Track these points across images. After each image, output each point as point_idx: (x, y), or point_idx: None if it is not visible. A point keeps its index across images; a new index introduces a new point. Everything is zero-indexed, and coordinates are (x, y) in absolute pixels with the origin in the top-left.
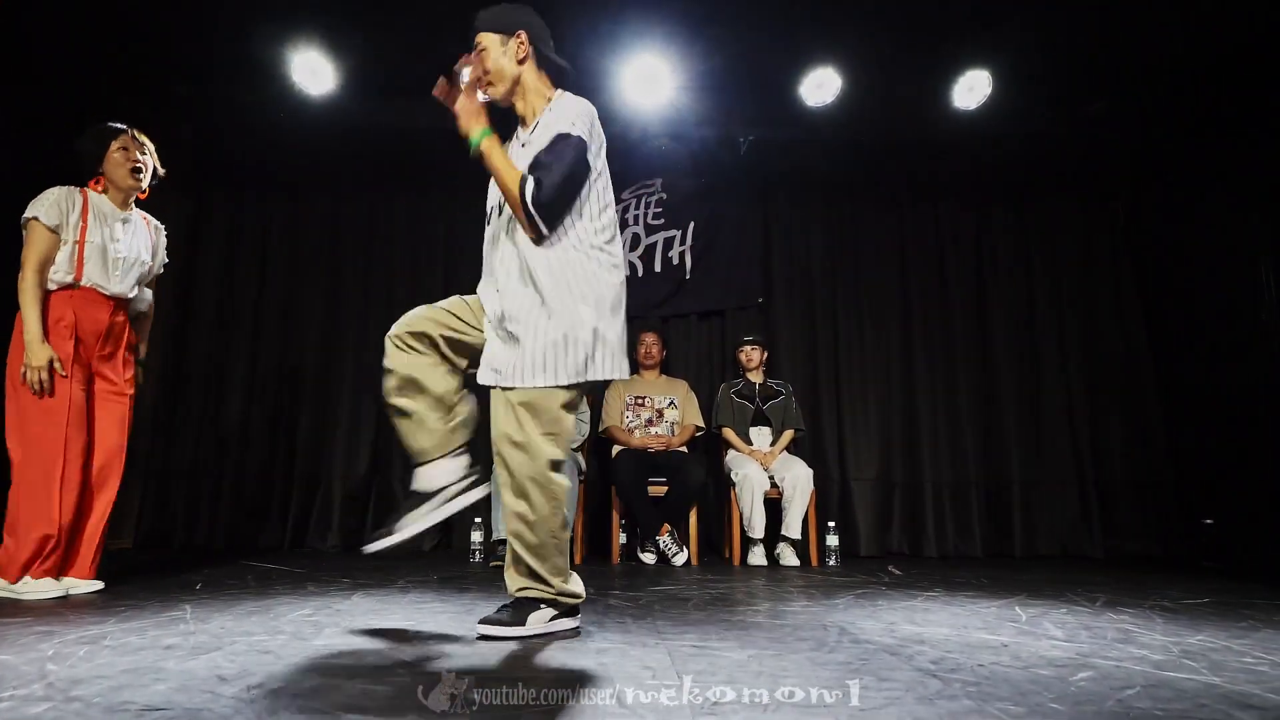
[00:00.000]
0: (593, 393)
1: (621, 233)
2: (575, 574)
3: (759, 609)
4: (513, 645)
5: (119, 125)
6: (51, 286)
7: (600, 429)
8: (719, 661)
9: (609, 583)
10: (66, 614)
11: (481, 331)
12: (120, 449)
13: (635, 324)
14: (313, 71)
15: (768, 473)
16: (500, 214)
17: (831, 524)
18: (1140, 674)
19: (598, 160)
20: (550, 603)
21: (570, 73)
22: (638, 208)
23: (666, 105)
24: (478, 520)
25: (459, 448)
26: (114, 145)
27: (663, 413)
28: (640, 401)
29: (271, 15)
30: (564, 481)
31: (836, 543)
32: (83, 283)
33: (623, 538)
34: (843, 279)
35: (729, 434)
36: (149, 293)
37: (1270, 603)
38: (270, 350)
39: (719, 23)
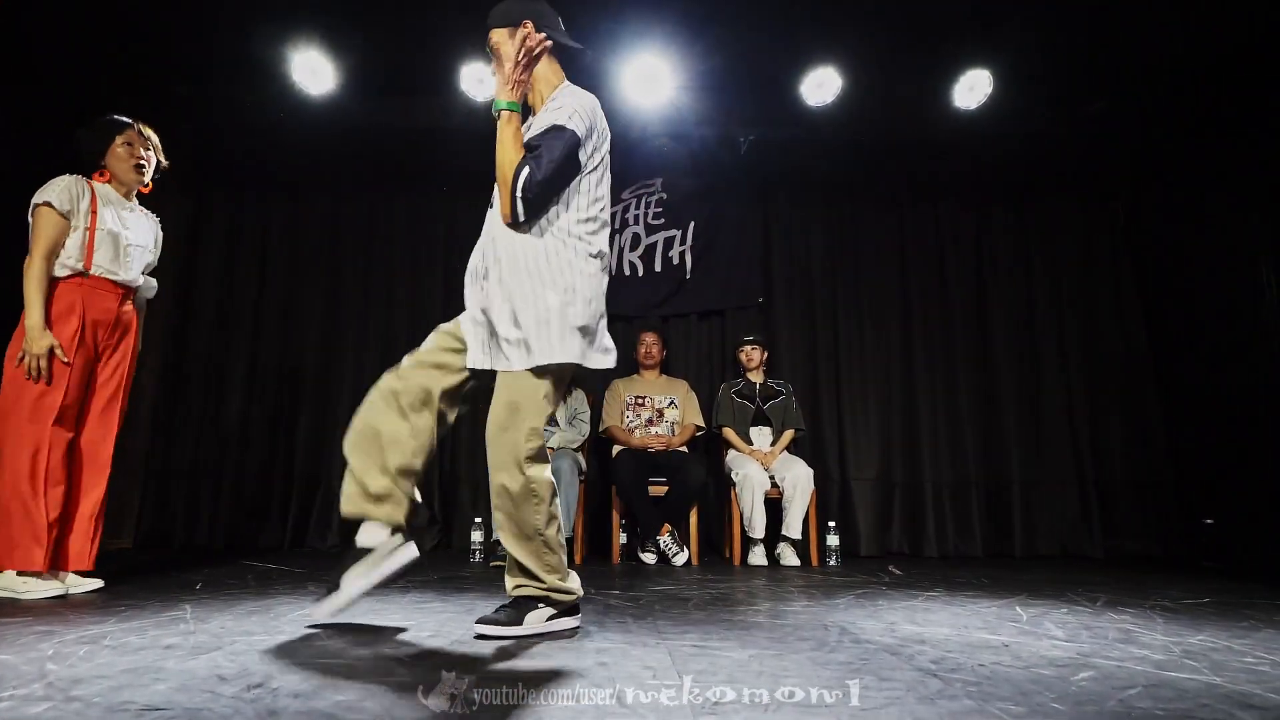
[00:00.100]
0: (592, 392)
1: (622, 232)
2: (573, 573)
3: (759, 609)
4: (512, 645)
5: (124, 119)
6: (62, 273)
7: (600, 429)
8: (720, 661)
9: (609, 582)
10: (66, 613)
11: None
12: (111, 438)
13: (635, 324)
14: (313, 71)
15: (768, 472)
16: (494, 207)
17: (832, 524)
18: (1141, 674)
19: (594, 157)
20: (545, 600)
21: (585, 53)
22: (638, 207)
23: (667, 105)
24: (478, 520)
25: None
26: (118, 139)
27: (663, 412)
28: (640, 401)
29: (271, 15)
30: (543, 476)
31: (837, 543)
32: (92, 271)
33: (623, 537)
34: (843, 279)
35: (729, 434)
36: (154, 281)
37: (1271, 602)
38: (270, 350)
39: (719, 22)
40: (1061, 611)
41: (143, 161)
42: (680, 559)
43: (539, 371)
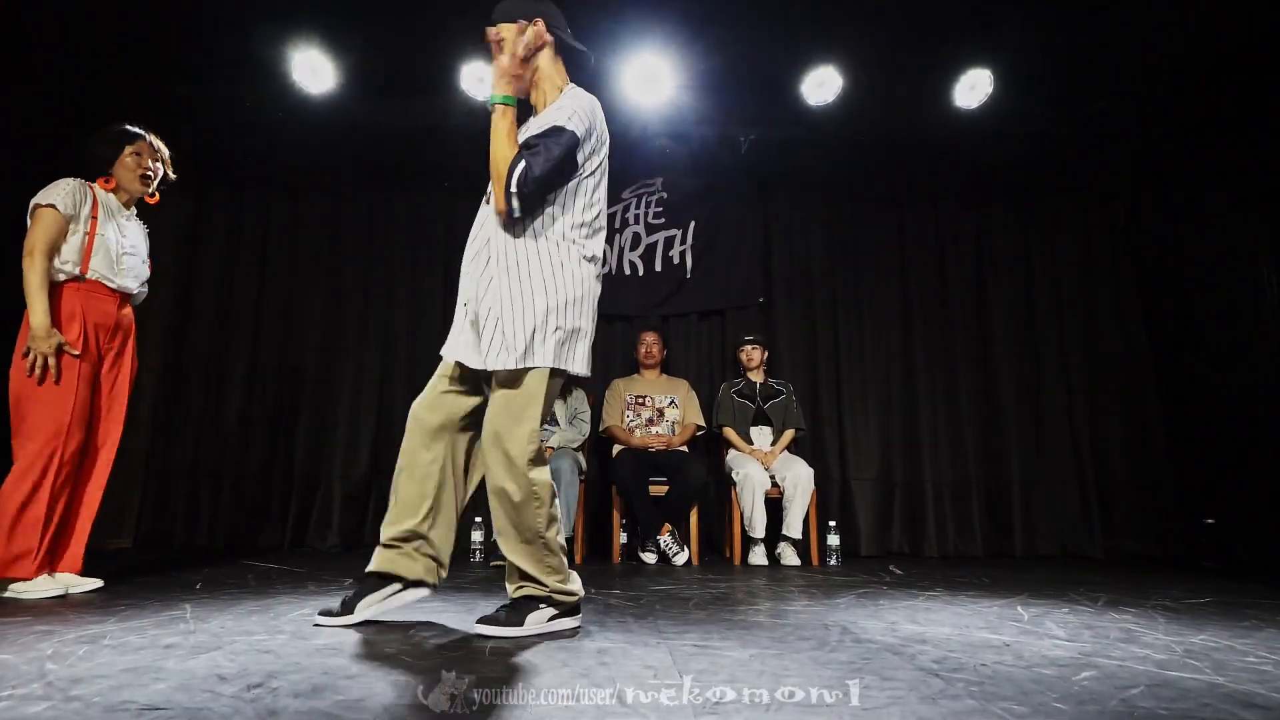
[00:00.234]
0: (592, 392)
1: (622, 232)
2: (574, 573)
3: (760, 608)
4: (512, 645)
5: (137, 130)
6: (60, 278)
7: (601, 428)
8: (720, 661)
9: (610, 582)
10: (66, 613)
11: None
12: (114, 442)
13: (635, 323)
14: (313, 70)
15: (768, 472)
16: (489, 202)
17: (832, 524)
18: (1144, 673)
19: (591, 160)
20: (547, 601)
21: (590, 57)
22: (638, 207)
23: (667, 104)
24: (478, 520)
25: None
26: (128, 149)
27: (663, 412)
28: (641, 401)
29: (271, 14)
30: (543, 479)
31: (837, 542)
32: (89, 276)
33: (623, 537)
34: (843, 279)
35: (730, 433)
36: (145, 288)
37: (1273, 602)
38: (270, 350)
39: (720, 22)
40: (1063, 611)
41: (149, 173)
42: (681, 559)
43: (534, 374)
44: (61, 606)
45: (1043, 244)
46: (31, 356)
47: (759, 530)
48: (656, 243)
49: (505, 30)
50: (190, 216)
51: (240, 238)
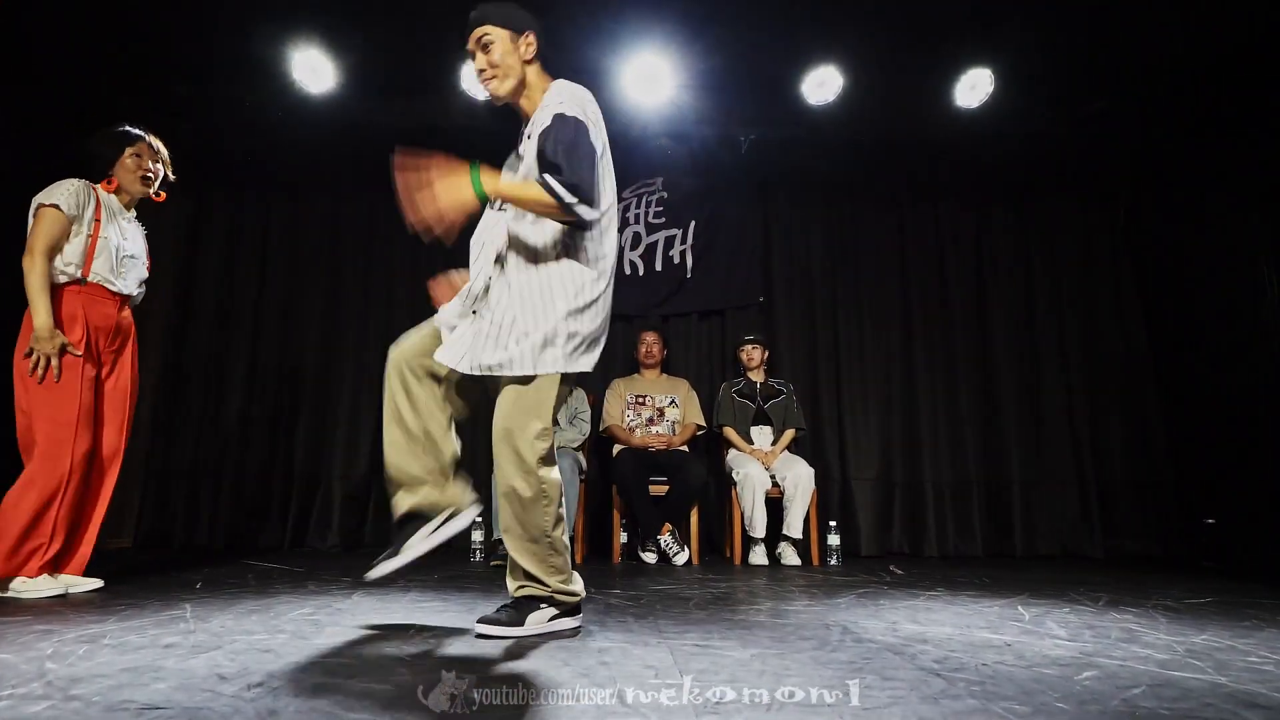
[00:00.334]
0: (593, 392)
1: (622, 231)
2: (575, 573)
3: (761, 608)
4: (513, 645)
5: (136, 131)
6: (61, 280)
7: (601, 428)
8: (721, 661)
9: (610, 582)
10: (66, 613)
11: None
12: (120, 446)
13: (636, 323)
14: (313, 70)
15: (769, 472)
16: (497, 206)
17: (833, 523)
18: (1145, 673)
19: (597, 142)
20: (549, 601)
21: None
22: (638, 206)
23: (667, 104)
24: (478, 519)
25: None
26: (129, 151)
27: (664, 411)
28: (641, 400)
29: (271, 14)
30: (552, 477)
31: (838, 542)
32: (90, 279)
33: (624, 537)
34: (843, 278)
35: (730, 433)
36: (143, 289)
37: (1273, 602)
38: (270, 350)
39: (720, 21)
40: (1064, 611)
41: (150, 174)
42: (681, 558)
43: (548, 375)
44: (61, 606)
45: (1043, 244)
46: (35, 357)
47: (759, 530)
48: (657, 242)
49: (494, 34)
50: (190, 216)
51: (240, 238)
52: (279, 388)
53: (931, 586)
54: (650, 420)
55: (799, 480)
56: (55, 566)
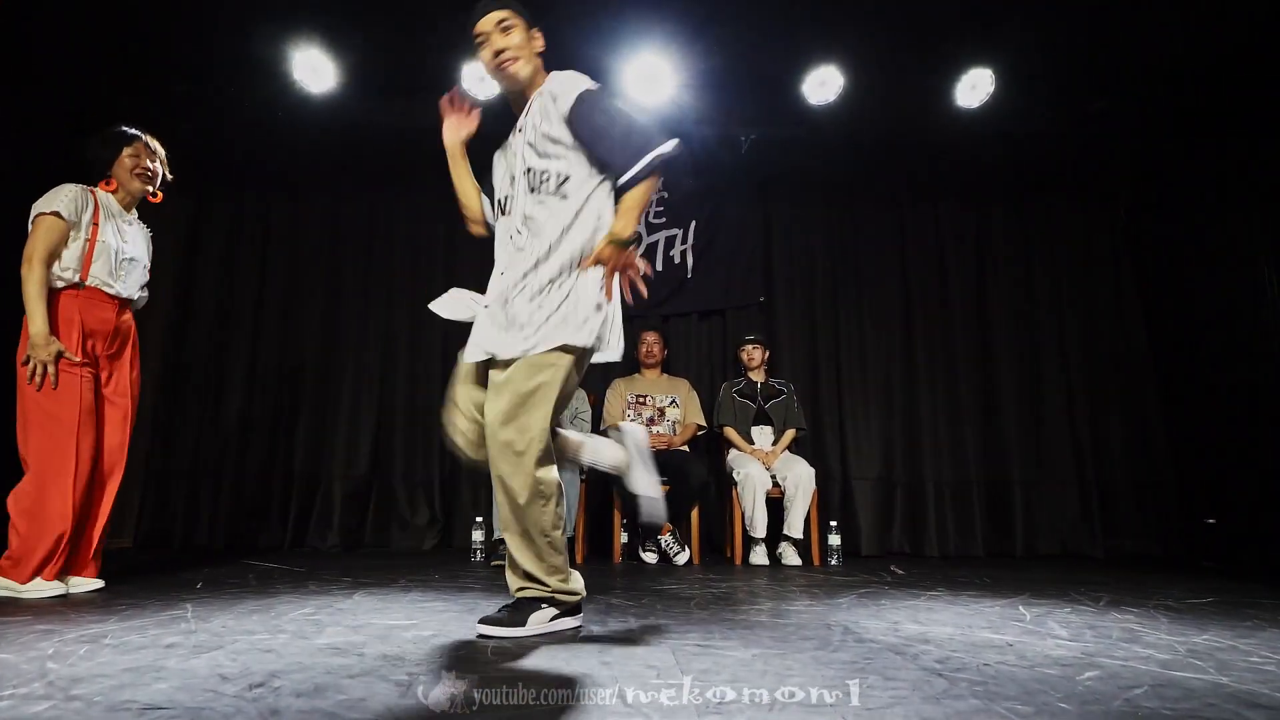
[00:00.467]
0: (593, 392)
1: None
2: (575, 572)
3: (762, 608)
4: (514, 645)
5: (133, 131)
6: (59, 284)
7: (602, 428)
8: (723, 661)
9: (611, 582)
10: (67, 613)
11: None
12: (123, 448)
13: (636, 323)
14: (314, 70)
15: (769, 472)
16: (514, 202)
17: (833, 523)
18: (1147, 673)
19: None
20: (549, 601)
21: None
22: None
23: (668, 104)
24: (479, 520)
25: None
26: (126, 151)
27: (664, 411)
28: (642, 400)
29: (272, 14)
30: (549, 475)
31: (838, 542)
32: (88, 282)
33: (624, 537)
34: (844, 278)
35: (730, 433)
36: (145, 292)
37: (1274, 602)
38: (270, 350)
39: (720, 21)
40: (1065, 611)
41: (147, 172)
42: (682, 558)
43: (558, 355)
44: (62, 606)
45: (1043, 244)
46: (31, 364)
47: (760, 530)
48: (657, 242)
49: (512, 19)
50: (190, 216)
51: (240, 237)
52: (279, 387)
53: (932, 586)
54: (651, 420)
55: (799, 480)
56: (65, 570)
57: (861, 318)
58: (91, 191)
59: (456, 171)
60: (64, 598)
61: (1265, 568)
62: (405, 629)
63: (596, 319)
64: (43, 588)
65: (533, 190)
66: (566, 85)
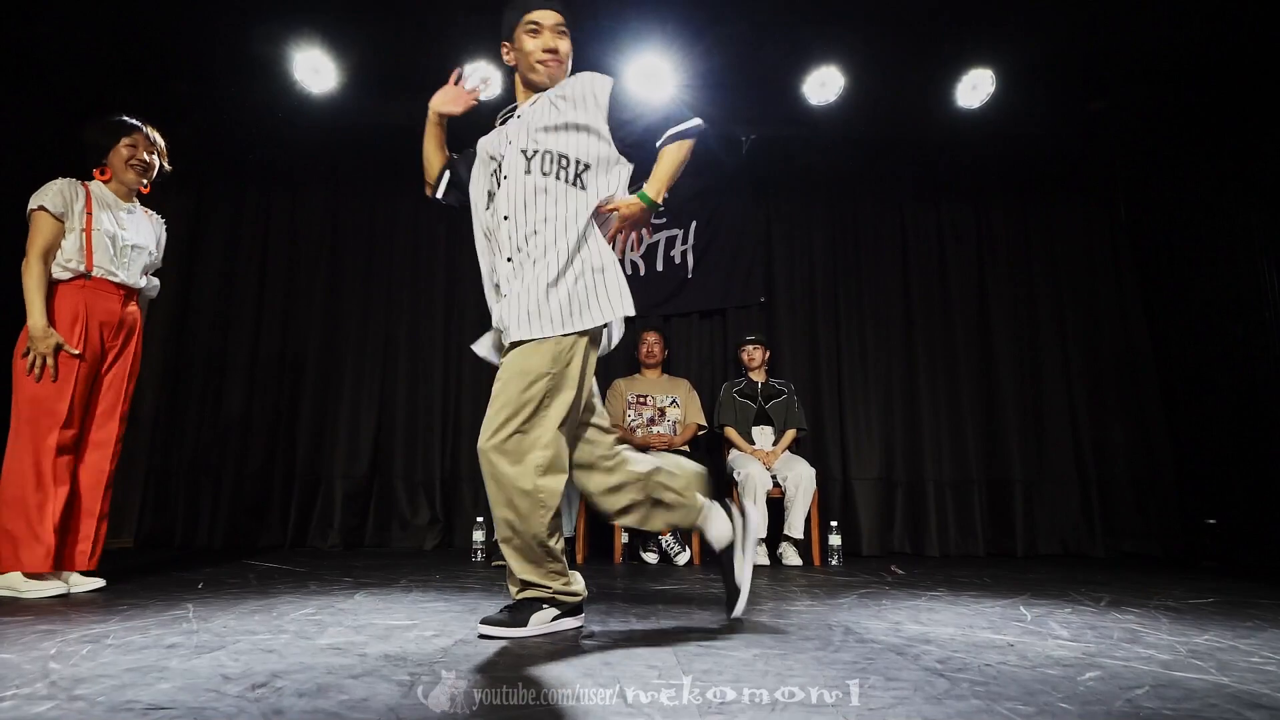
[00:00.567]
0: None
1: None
2: (576, 573)
3: (763, 608)
4: (515, 645)
5: (133, 122)
6: (66, 276)
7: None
8: (725, 661)
9: (612, 582)
10: (68, 613)
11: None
12: (115, 436)
13: (637, 323)
14: (315, 70)
15: (770, 472)
16: (514, 185)
17: (834, 523)
18: (1148, 674)
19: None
20: (551, 602)
21: None
22: None
23: (669, 104)
24: (479, 520)
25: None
26: (124, 140)
27: (665, 411)
28: (642, 400)
29: (273, 14)
30: (555, 487)
31: (839, 542)
32: (94, 273)
33: (625, 537)
34: (844, 278)
35: (731, 433)
36: (157, 281)
37: (1274, 602)
38: (271, 348)
39: (721, 21)
40: (1066, 611)
41: (143, 163)
42: (682, 558)
43: (570, 340)
44: (63, 606)
45: (1044, 243)
46: (31, 356)
47: (761, 530)
48: (658, 242)
49: (568, 32)
50: (191, 214)
51: (241, 236)
52: (279, 386)
53: (933, 586)
54: (651, 420)
55: (800, 480)
56: (57, 563)
57: (862, 318)
58: (84, 184)
59: (429, 134)
60: (65, 597)
61: (1265, 568)
62: (407, 629)
63: (608, 295)
64: (44, 587)
65: (545, 174)
66: (599, 81)
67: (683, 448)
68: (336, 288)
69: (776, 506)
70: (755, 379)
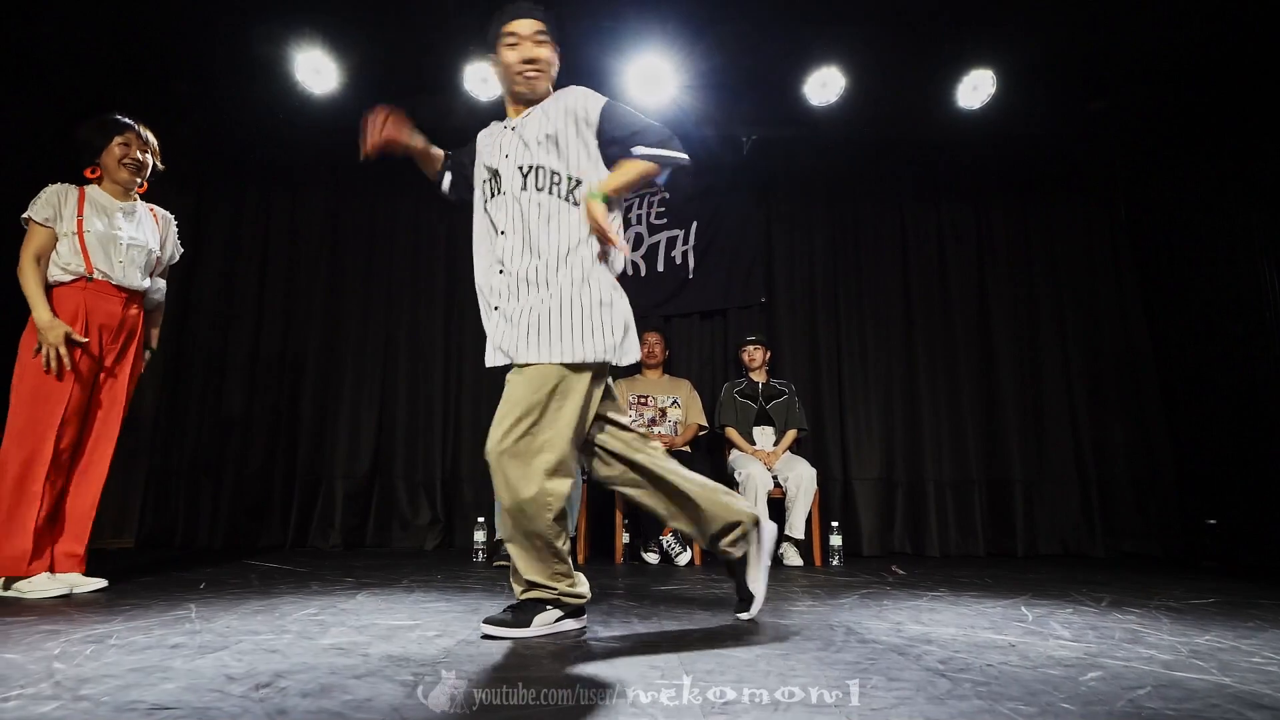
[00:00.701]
0: None
1: (624, 232)
2: (580, 574)
3: (764, 609)
4: (518, 645)
5: (125, 120)
6: (66, 278)
7: None
8: (727, 661)
9: (613, 583)
10: (71, 613)
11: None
12: (111, 444)
13: (638, 324)
14: (316, 70)
15: (771, 472)
16: (509, 199)
17: (835, 524)
18: (1150, 674)
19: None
20: (555, 603)
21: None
22: (640, 207)
23: (669, 104)
24: (480, 520)
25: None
26: (117, 139)
27: (666, 412)
28: (643, 401)
29: (275, 14)
30: (561, 490)
31: (840, 542)
32: (94, 275)
33: (626, 538)
34: (845, 279)
35: (732, 434)
36: (162, 283)
37: (1275, 603)
38: (271, 348)
39: (722, 22)
40: (1067, 611)
41: (135, 162)
42: (683, 559)
43: (576, 368)
44: (66, 606)
45: (1044, 243)
46: (44, 351)
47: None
48: (659, 243)
49: (548, 37)
50: (191, 214)
51: (242, 236)
52: (280, 386)
53: (934, 587)
54: (652, 421)
55: (801, 481)
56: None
57: (863, 318)
58: (80, 187)
59: (415, 159)
60: (67, 598)
61: (1266, 568)
62: (409, 629)
63: (611, 328)
64: (45, 587)
65: (539, 189)
66: (590, 97)
67: (684, 448)
68: (337, 287)
69: (777, 507)
70: (756, 379)
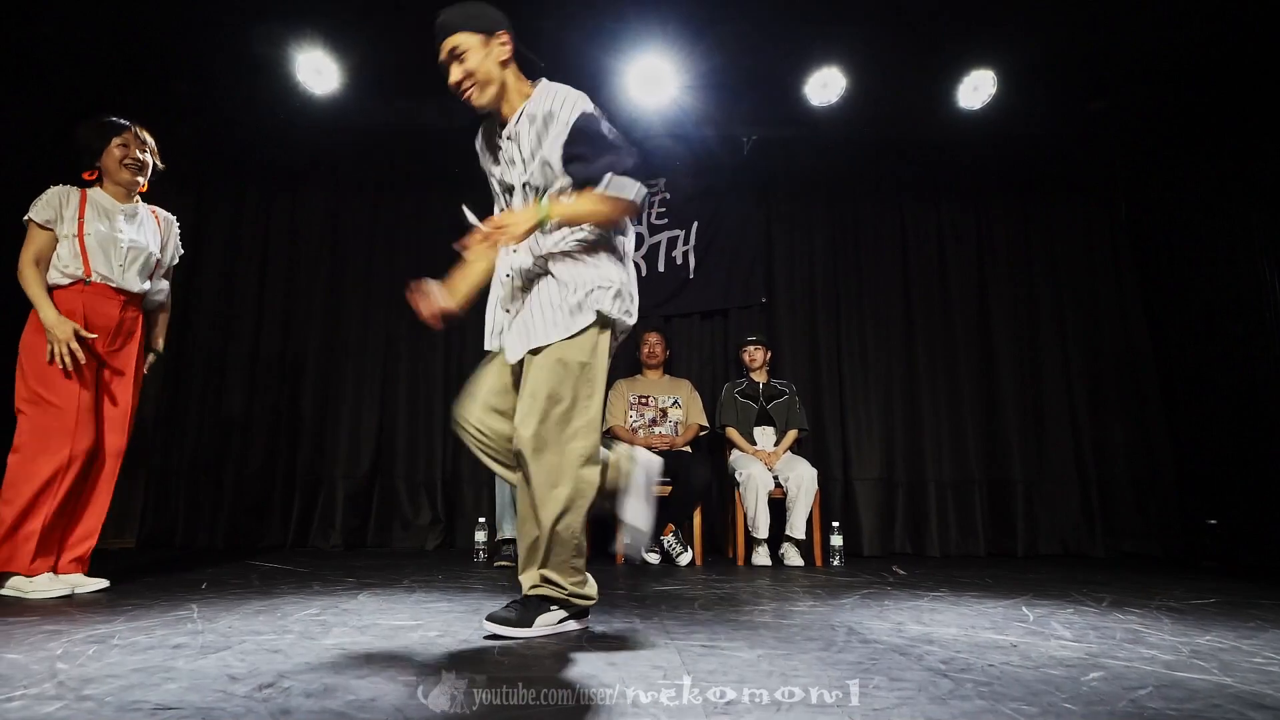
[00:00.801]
0: None
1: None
2: (589, 575)
3: (765, 609)
4: (519, 645)
5: (123, 121)
6: (65, 281)
7: (604, 429)
8: (729, 661)
9: (614, 583)
10: (73, 613)
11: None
12: (121, 447)
13: (639, 324)
14: (317, 71)
15: (772, 473)
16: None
17: (835, 524)
18: (1151, 674)
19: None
20: (562, 604)
21: (540, 67)
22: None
23: (670, 105)
24: (481, 520)
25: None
26: (115, 141)
27: (666, 412)
28: (644, 401)
29: (275, 14)
30: (594, 478)
31: (841, 542)
32: (93, 278)
33: (627, 538)
34: (845, 279)
35: (733, 434)
36: (165, 284)
37: (1276, 603)
38: (272, 349)
39: (723, 22)
40: (1068, 611)
41: (135, 162)
42: (684, 559)
43: (589, 334)
44: (68, 607)
45: (1045, 243)
46: (54, 350)
47: (762, 531)
48: (659, 243)
49: (466, 42)
50: (192, 214)
51: (242, 236)
52: (280, 387)
53: (935, 587)
54: (653, 421)
55: (802, 481)
56: (55, 562)
57: (863, 318)
58: (81, 191)
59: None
60: (69, 598)
61: (1266, 568)
62: (411, 629)
63: (605, 295)
64: (46, 587)
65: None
66: (568, 107)
67: (685, 448)
68: (337, 287)
69: (778, 507)
70: (757, 379)
